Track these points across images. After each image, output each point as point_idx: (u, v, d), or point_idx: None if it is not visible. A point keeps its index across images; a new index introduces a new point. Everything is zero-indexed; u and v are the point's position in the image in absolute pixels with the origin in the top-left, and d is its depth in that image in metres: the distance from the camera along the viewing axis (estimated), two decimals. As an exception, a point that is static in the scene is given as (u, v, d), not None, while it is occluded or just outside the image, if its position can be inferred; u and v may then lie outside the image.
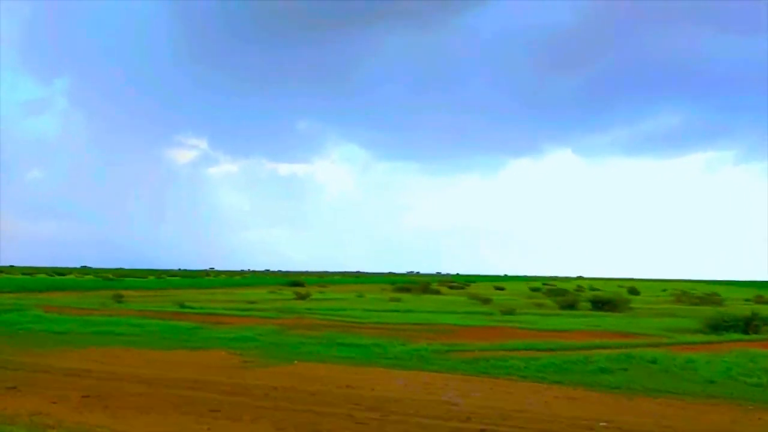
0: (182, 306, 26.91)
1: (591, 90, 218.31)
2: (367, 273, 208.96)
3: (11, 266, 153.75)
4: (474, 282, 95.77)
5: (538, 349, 14.59)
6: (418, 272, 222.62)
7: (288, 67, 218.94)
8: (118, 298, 30.06)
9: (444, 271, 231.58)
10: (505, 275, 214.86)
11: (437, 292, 52.23)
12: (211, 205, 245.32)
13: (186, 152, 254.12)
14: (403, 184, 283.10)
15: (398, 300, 36.46)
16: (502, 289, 65.21)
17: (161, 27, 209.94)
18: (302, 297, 37.56)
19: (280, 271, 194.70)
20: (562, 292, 48.71)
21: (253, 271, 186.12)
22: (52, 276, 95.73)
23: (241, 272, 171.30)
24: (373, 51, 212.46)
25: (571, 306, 30.87)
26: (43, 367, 10.98)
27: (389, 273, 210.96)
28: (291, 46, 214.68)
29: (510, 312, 25.90)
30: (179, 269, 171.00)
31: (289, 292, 48.64)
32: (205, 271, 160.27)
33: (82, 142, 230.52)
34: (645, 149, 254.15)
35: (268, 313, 24.34)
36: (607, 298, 31.36)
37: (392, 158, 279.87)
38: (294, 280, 67.83)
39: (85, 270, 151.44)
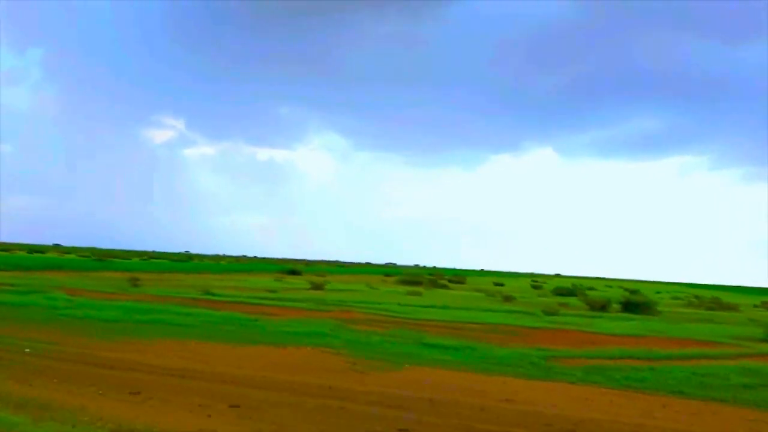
0: (208, 293, 25.48)
1: (573, 90, 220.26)
2: (346, 262, 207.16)
3: None
4: (461, 276, 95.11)
5: (637, 358, 13.74)
6: (395, 264, 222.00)
7: (271, 52, 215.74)
8: (135, 282, 28.43)
9: (422, 264, 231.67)
10: (482, 270, 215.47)
11: (444, 287, 51.30)
12: (187, 187, 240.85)
13: (162, 132, 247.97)
14: (384, 174, 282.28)
15: (418, 294, 35.44)
16: (501, 285, 64.71)
17: (142, 7, 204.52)
18: (318, 287, 36.29)
19: (256, 257, 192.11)
20: (573, 292, 48.38)
21: (230, 257, 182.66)
22: (31, 254, 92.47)
23: (218, 257, 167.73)
24: (358, 39, 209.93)
25: (603, 308, 30.21)
26: (140, 366, 9.63)
27: (367, 263, 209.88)
28: (275, 30, 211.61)
29: (553, 312, 25.09)
30: (153, 251, 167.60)
31: (296, 280, 47.28)
32: (188, 254, 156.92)
33: (56, 115, 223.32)
34: (622, 151, 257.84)
35: (306, 305, 23.14)
36: (639, 301, 30.79)
37: (374, 148, 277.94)
38: (291, 268, 66.29)
39: (59, 248, 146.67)
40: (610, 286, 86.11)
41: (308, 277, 56.47)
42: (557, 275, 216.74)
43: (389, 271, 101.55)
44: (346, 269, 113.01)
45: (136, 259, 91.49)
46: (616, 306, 30.87)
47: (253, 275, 55.72)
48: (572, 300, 35.91)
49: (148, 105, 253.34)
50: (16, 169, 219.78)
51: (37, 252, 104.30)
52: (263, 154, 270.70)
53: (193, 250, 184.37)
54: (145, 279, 32.89)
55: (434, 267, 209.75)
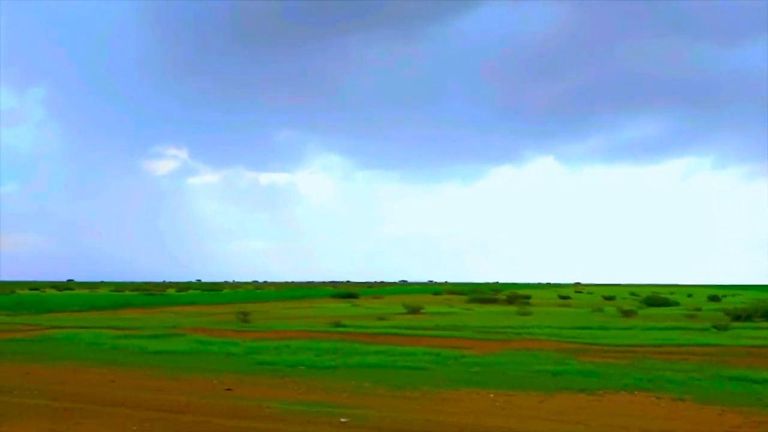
0: (339, 325, 23.09)
1: (572, 98, 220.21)
2: (355, 283, 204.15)
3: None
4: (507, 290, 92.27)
5: None
6: (405, 281, 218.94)
7: (267, 78, 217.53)
8: (245, 318, 26.05)
9: (429, 279, 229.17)
10: (497, 282, 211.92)
11: (527, 303, 48.15)
12: (193, 215, 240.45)
13: (166, 162, 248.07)
14: (384, 192, 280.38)
15: (527, 313, 32.82)
16: (567, 297, 61.95)
17: (140, 38, 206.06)
18: (414, 311, 33.80)
19: (265, 282, 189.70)
20: (667, 301, 45.76)
21: (248, 283, 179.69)
22: (62, 291, 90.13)
23: (224, 284, 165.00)
24: (352, 61, 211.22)
25: (748, 318, 27.61)
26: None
27: (381, 282, 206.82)
28: (270, 56, 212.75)
29: (724, 327, 22.59)
30: (164, 281, 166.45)
31: (380, 304, 44.63)
32: (221, 283, 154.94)
33: (59, 153, 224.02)
34: (625, 157, 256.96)
35: (456, 333, 20.71)
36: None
37: (373, 167, 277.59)
38: (348, 292, 63.74)
39: (71, 284, 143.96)
40: (691, 294, 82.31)
41: (378, 300, 53.94)
42: (577, 284, 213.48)
43: (434, 289, 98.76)
44: (385, 290, 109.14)
45: (171, 291, 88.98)
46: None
47: (316, 301, 53.16)
48: (704, 311, 33.24)
49: (150, 136, 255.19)
50: (21, 208, 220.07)
51: (66, 289, 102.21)
52: (265, 178, 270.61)
53: (204, 278, 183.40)
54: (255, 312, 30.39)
55: (445, 282, 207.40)
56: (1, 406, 8.79)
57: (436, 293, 77.39)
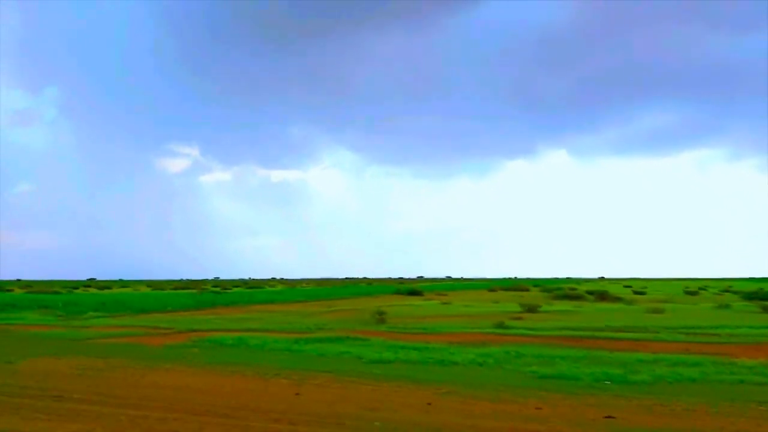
0: (502, 326, 20.63)
1: (584, 90, 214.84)
2: (371, 279, 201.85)
3: (16, 279, 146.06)
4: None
5: None
6: (421, 276, 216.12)
7: (278, 74, 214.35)
8: (380, 317, 23.68)
9: (445, 275, 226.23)
10: (516, 278, 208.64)
11: (619, 299, 45.26)
12: (206, 213, 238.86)
13: (178, 161, 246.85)
14: (397, 188, 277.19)
15: (660, 311, 30.08)
16: (642, 293, 59.00)
17: (150, 36, 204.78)
18: (532, 309, 31.27)
19: (283, 279, 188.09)
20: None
21: (256, 279, 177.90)
22: (102, 290, 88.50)
23: (246, 281, 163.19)
24: (363, 55, 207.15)
25: None
26: None
27: (399, 278, 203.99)
28: (280, 52, 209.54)
29: None
30: (180, 279, 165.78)
31: (457, 301, 42.08)
32: (267, 280, 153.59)
33: (72, 152, 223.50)
34: (638, 149, 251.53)
35: (657, 336, 18.15)
36: None
37: (385, 162, 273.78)
38: (412, 289, 61.18)
39: (93, 282, 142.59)
40: (730, 287, 79.35)
41: (447, 297, 51.40)
42: (601, 278, 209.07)
43: (476, 285, 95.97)
44: (438, 286, 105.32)
45: (213, 289, 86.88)
46: None
47: (386, 298, 50.67)
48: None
49: (162, 134, 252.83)
50: (36, 207, 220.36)
51: (105, 288, 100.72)
52: (277, 175, 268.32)
53: (222, 276, 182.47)
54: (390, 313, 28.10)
55: (461, 278, 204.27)
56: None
57: (491, 290, 74.59)
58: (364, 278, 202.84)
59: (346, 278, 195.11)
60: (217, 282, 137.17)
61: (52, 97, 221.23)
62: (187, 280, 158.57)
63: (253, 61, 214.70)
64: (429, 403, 8.82)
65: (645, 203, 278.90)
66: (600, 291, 49.84)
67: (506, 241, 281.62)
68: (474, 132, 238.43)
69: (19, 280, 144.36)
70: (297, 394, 9.66)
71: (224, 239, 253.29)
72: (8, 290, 74.48)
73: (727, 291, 64.80)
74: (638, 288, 71.40)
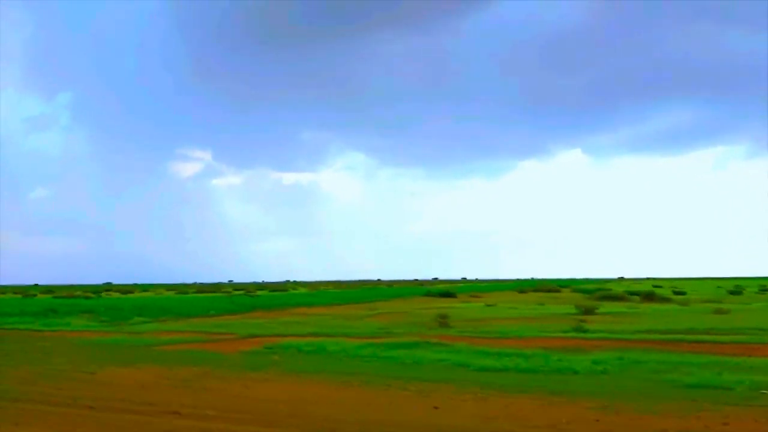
0: (579, 330, 19.54)
1: (598, 89, 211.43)
2: (386, 281, 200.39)
3: (34, 284, 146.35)
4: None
5: None
6: (436, 278, 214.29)
7: (289, 77, 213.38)
8: (443, 320, 22.68)
9: (460, 276, 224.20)
10: (532, 279, 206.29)
11: (668, 300, 43.69)
12: (219, 216, 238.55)
13: (191, 165, 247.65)
14: (409, 189, 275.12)
15: (726, 312, 28.83)
16: (682, 293, 57.35)
17: (164, 41, 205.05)
18: (588, 311, 30.09)
19: (296, 282, 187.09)
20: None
21: (271, 283, 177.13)
22: (125, 294, 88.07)
23: (286, 284, 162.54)
24: (375, 57, 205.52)
25: None
26: None
27: (414, 280, 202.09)
28: (293, 55, 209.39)
29: None
30: (194, 282, 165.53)
31: (497, 302, 40.89)
32: (283, 283, 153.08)
33: (86, 157, 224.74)
34: (654, 147, 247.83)
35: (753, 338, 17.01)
36: None
37: (397, 164, 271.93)
38: (445, 291, 60.08)
39: (112, 286, 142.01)
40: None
41: (480, 299, 50.28)
42: (621, 278, 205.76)
43: (504, 286, 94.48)
44: (466, 287, 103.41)
45: (258, 291, 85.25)
46: None
47: (422, 301, 49.62)
48: None
49: (174, 138, 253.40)
50: (52, 212, 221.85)
51: (127, 291, 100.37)
52: (289, 178, 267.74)
53: (235, 279, 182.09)
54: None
55: (476, 279, 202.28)
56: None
57: (521, 291, 73.19)
58: (379, 280, 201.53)
59: (361, 281, 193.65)
60: (235, 285, 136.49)
61: (66, 102, 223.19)
62: (201, 283, 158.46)
63: (264, 64, 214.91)
64: (597, 420, 7.81)
65: (662, 201, 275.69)
66: (646, 292, 48.42)
67: (522, 241, 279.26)
68: (487, 132, 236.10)
69: (36, 285, 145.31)
70: (435, 407, 8.69)
71: (237, 242, 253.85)
72: (32, 295, 74.27)
73: (765, 290, 63.00)
74: (668, 287, 69.76)
